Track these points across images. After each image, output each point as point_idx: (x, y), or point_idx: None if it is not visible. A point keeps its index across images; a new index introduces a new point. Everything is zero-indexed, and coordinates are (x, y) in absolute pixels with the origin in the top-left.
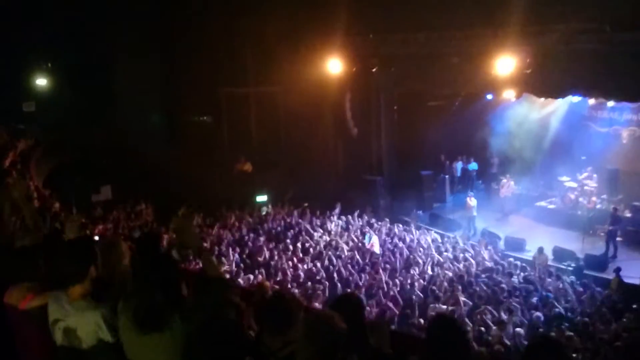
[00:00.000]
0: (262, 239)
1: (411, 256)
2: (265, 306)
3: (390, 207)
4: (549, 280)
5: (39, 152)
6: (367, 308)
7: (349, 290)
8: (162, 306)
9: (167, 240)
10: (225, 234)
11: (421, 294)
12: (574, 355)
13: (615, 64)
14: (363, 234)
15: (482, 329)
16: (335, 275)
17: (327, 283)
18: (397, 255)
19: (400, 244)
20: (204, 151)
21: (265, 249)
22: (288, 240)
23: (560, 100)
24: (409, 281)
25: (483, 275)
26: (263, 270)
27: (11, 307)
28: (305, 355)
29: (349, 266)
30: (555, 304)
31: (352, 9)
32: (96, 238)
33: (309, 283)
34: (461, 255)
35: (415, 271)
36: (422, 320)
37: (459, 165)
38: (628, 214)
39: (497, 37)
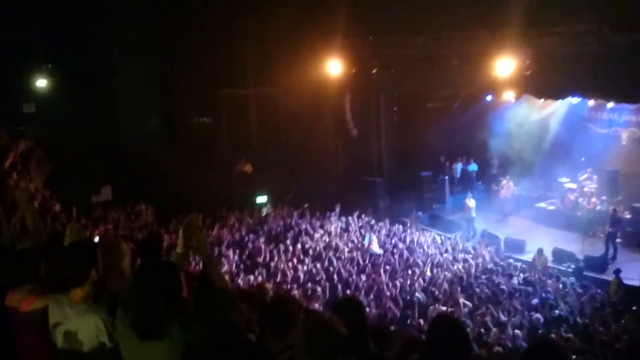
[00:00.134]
0: (262, 239)
1: (411, 257)
2: (266, 309)
3: (390, 208)
4: (549, 281)
5: (39, 153)
6: (367, 309)
7: (349, 291)
8: (161, 313)
9: (167, 243)
10: (225, 235)
11: (421, 296)
12: (574, 357)
13: (615, 66)
14: (362, 234)
15: (482, 330)
16: (335, 276)
17: (327, 284)
18: (397, 256)
19: (400, 245)
20: (204, 152)
21: (265, 249)
22: (288, 241)
23: (559, 101)
24: (408, 282)
25: (483, 277)
26: (263, 271)
27: (12, 310)
28: (305, 359)
29: (349, 267)
30: (555, 305)
31: (352, 10)
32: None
33: (309, 284)
34: (461, 256)
35: (415, 272)
36: (422, 321)
37: (458, 166)
38: (628, 215)
39: (497, 38)
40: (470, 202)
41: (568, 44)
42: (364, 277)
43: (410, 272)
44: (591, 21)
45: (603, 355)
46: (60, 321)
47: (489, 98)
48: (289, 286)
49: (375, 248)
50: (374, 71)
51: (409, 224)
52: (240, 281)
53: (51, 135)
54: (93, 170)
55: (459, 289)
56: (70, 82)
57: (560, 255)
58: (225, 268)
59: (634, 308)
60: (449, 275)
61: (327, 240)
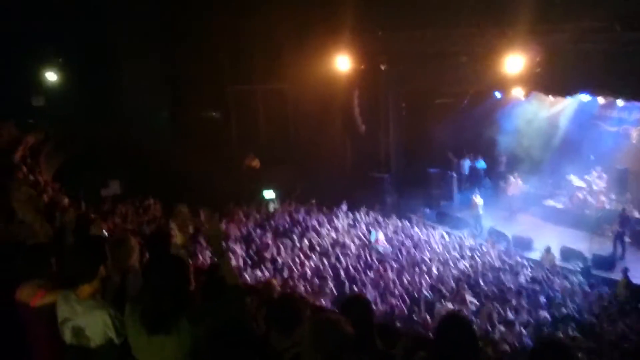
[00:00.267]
0: (269, 235)
1: (418, 254)
2: (273, 306)
3: (398, 204)
4: (557, 280)
5: (49, 146)
6: (374, 305)
7: (355, 287)
8: (170, 308)
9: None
10: (233, 230)
11: (427, 292)
12: (581, 356)
13: (625, 63)
14: (369, 230)
15: (489, 328)
16: (342, 272)
17: (334, 280)
18: (404, 252)
19: (408, 242)
20: (212, 147)
21: (272, 245)
22: (295, 237)
23: (569, 99)
24: (416, 279)
25: (490, 274)
26: (270, 266)
27: (22, 304)
28: (310, 358)
29: (356, 263)
30: (563, 304)
31: (360, 6)
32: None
33: (316, 280)
34: (468, 253)
35: (422, 269)
36: (428, 318)
37: (466, 163)
38: (637, 214)
39: (506, 35)
40: (478, 199)
41: (578, 41)
42: (370, 273)
43: (417, 269)
44: (602, 18)
45: (610, 354)
46: (69, 317)
47: (498, 95)
48: (295, 282)
49: (382, 244)
50: (382, 67)
51: (416, 221)
52: (247, 276)
53: (60, 128)
54: (102, 164)
55: (465, 286)
56: (80, 76)
57: (568, 254)
58: (232, 263)
59: None
60: (455, 272)
61: (335, 236)
